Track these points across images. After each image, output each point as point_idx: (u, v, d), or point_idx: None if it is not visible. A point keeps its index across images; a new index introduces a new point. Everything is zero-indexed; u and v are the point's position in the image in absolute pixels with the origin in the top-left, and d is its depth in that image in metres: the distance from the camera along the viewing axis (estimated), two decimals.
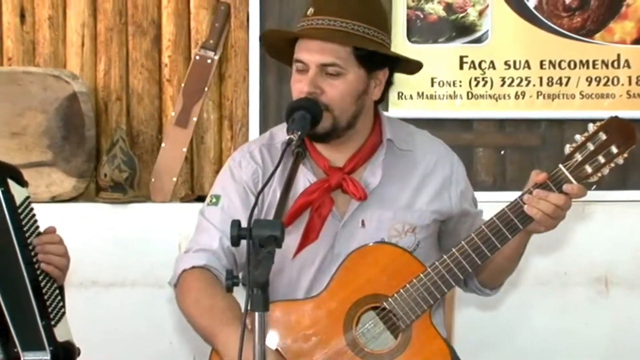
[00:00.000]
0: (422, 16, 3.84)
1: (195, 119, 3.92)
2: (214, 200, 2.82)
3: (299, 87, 2.70)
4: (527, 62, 3.81)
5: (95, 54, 3.97)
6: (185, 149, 3.92)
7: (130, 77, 3.98)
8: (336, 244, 2.77)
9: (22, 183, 2.71)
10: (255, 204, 2.33)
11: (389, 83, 2.81)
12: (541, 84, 3.81)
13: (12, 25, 3.98)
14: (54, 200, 3.80)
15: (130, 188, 3.83)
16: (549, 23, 3.81)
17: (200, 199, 3.80)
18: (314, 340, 2.66)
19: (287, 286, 2.79)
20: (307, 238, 2.74)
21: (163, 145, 3.93)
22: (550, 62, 3.81)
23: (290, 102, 2.70)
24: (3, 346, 2.50)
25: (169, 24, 3.97)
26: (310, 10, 2.72)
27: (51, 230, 2.72)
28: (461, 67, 3.83)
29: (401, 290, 2.67)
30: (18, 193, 2.65)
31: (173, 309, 3.69)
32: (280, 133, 2.83)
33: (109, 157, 3.83)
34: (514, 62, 3.82)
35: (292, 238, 2.73)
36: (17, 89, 3.83)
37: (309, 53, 2.69)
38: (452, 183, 2.85)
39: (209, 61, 3.92)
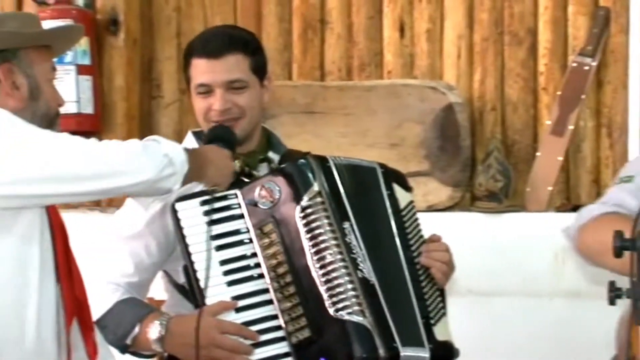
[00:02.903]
0: None
1: (571, 127, 3.85)
2: (625, 179, 2.78)
3: None
4: None
5: (471, 64, 4.01)
6: (561, 158, 3.86)
7: (505, 86, 3.98)
8: None
9: (407, 188, 2.77)
10: None
11: None
12: None
13: (392, 39, 4.10)
14: (430, 209, 3.87)
15: (505, 197, 3.83)
16: None
17: (576, 208, 3.72)
18: None
19: None
20: None
21: (538, 154, 3.89)
22: None
23: None
24: (384, 340, 2.54)
25: (545, 32, 3.93)
26: None
27: (436, 239, 2.76)
28: None
29: None
30: (402, 197, 2.72)
31: (549, 321, 3.65)
32: None
33: (484, 166, 3.85)
34: None
35: None
36: (396, 102, 3.94)
37: None
38: None
39: (586, 68, 3.83)
